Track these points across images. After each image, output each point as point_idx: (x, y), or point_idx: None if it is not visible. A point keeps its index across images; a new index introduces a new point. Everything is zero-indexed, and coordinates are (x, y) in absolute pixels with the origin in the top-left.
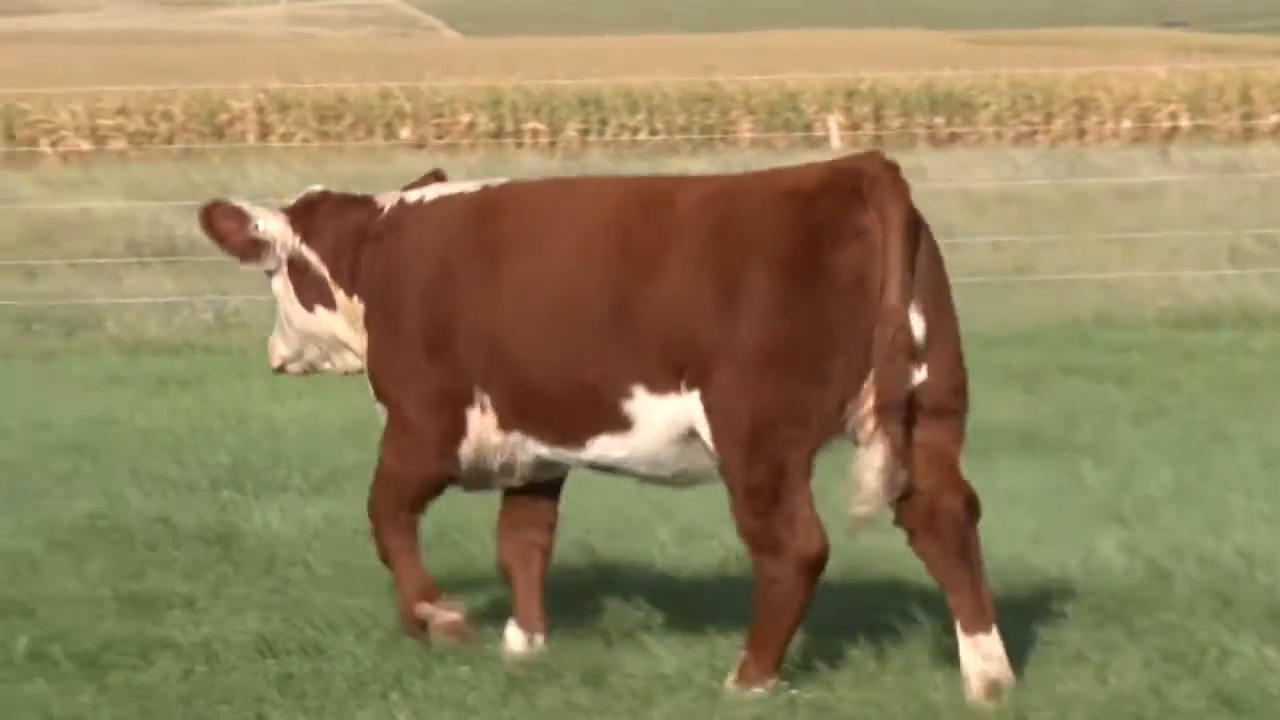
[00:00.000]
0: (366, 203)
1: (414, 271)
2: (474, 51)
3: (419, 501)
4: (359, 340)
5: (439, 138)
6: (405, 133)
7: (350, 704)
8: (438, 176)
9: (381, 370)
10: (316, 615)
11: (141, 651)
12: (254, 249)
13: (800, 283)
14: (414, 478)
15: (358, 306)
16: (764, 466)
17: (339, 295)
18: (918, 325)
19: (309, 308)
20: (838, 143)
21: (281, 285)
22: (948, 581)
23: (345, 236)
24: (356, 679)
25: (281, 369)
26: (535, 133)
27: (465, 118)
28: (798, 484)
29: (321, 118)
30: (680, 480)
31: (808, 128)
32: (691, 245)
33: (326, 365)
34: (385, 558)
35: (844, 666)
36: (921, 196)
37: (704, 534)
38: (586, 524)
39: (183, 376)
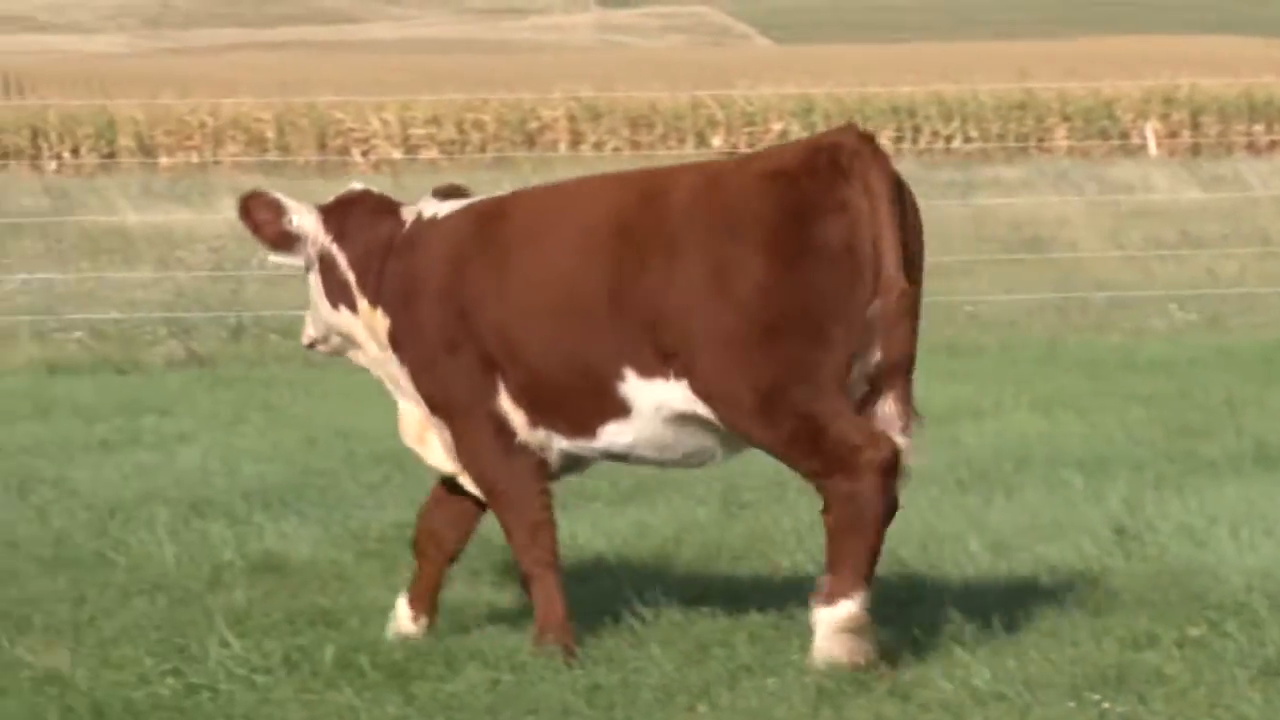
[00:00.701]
0: (396, 212)
1: (431, 282)
2: (786, 59)
3: (533, 497)
4: (374, 346)
5: (750, 146)
6: (717, 141)
7: (657, 715)
8: (457, 190)
9: (426, 386)
10: (623, 625)
11: (448, 661)
12: (285, 241)
13: (788, 259)
14: (504, 478)
15: (380, 319)
16: (792, 423)
17: (363, 303)
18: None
19: (334, 305)
20: (1155, 150)
21: (313, 279)
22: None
23: (374, 245)
24: (664, 690)
25: (311, 346)
26: None
27: (777, 126)
28: (838, 416)
29: (633, 126)
30: (693, 461)
31: (1124, 135)
32: (681, 231)
33: (349, 355)
34: (524, 579)
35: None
36: (1240, 205)
37: (1016, 546)
38: (897, 536)
39: None
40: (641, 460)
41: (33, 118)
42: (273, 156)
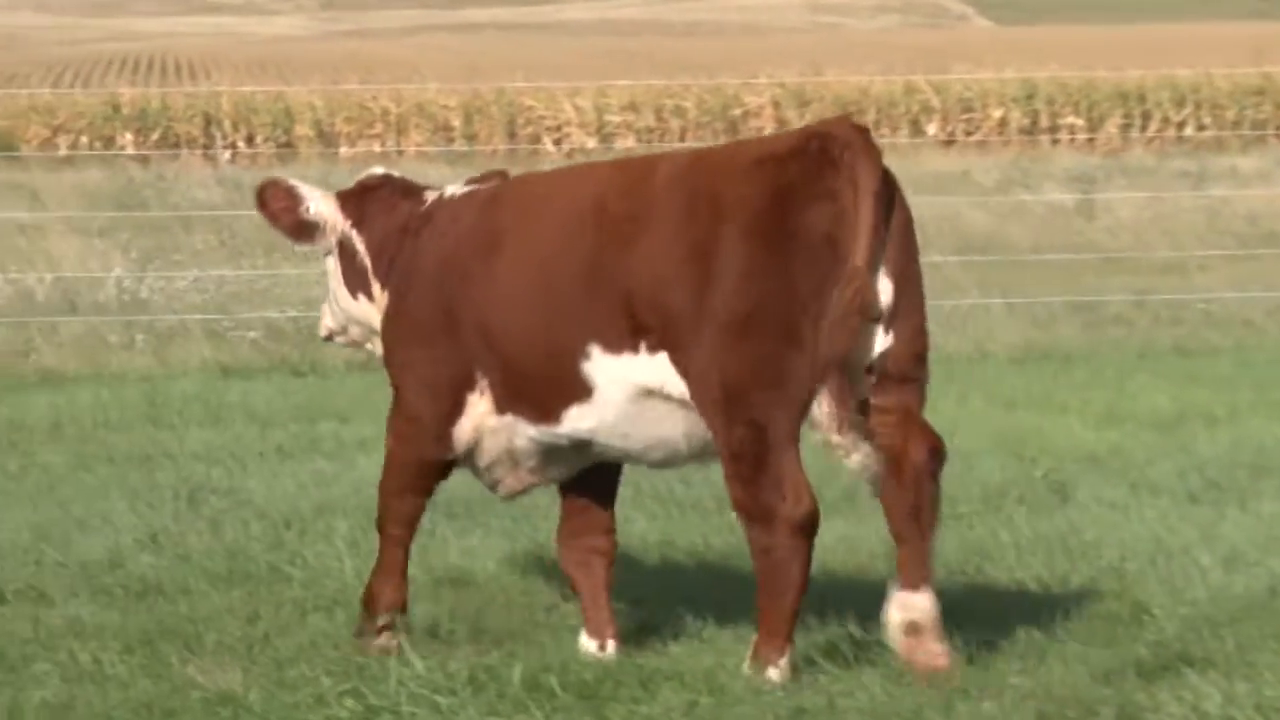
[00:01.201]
0: (417, 195)
1: (426, 260)
2: (1005, 42)
3: (421, 486)
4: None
5: (968, 134)
6: (932, 129)
7: None
8: (501, 176)
9: (390, 354)
10: (829, 644)
11: (643, 682)
12: (304, 230)
13: (770, 247)
14: (414, 461)
15: (385, 299)
16: (743, 430)
17: (375, 287)
18: (885, 291)
19: (353, 293)
20: None
21: (333, 265)
22: (900, 533)
23: (392, 229)
24: (872, 714)
25: (329, 338)
26: (1072, 128)
27: (996, 112)
28: (782, 448)
29: (843, 112)
30: (656, 455)
31: None
32: (666, 214)
33: (369, 346)
34: (381, 543)
35: None
36: None
37: (1250, 561)
38: (1122, 550)
39: None
40: (605, 454)
41: (206, 105)
42: (459, 146)
